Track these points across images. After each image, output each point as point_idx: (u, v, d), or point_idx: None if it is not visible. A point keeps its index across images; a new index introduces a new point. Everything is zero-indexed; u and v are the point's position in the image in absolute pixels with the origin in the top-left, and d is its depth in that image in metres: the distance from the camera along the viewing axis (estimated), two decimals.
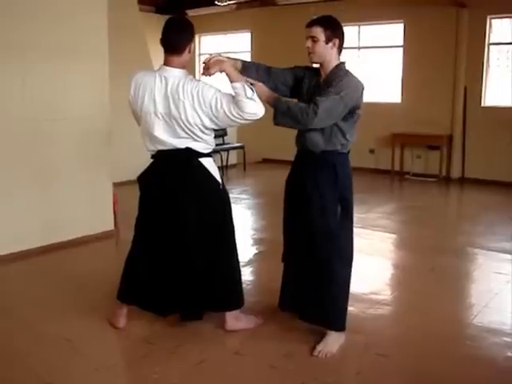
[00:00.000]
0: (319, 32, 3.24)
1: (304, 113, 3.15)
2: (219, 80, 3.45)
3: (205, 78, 3.51)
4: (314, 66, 3.47)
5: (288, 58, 10.39)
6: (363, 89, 3.33)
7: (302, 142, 3.47)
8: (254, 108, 3.21)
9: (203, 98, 3.22)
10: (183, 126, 3.27)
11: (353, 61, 9.99)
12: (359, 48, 10.41)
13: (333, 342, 3.41)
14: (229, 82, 3.27)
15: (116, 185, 6.31)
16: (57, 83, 5.31)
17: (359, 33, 10.37)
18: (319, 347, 3.37)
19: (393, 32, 10.20)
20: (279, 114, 3.25)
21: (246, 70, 3.45)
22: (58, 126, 5.37)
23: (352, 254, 3.50)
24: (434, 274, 4.89)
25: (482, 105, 9.41)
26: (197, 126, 3.28)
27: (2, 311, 3.99)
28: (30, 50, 5.05)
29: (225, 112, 3.22)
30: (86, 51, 5.53)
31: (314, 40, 3.26)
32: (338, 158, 3.38)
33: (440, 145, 9.56)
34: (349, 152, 3.48)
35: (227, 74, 3.26)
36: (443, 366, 3.26)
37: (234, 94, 3.23)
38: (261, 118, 3.28)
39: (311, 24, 3.28)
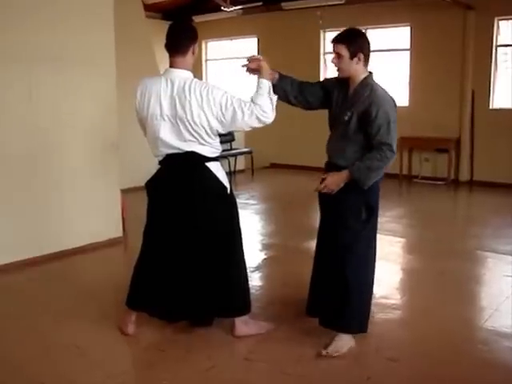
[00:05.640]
0: (343, 49, 3.30)
1: (385, 159, 3.26)
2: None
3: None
4: None
5: (295, 63, 10.46)
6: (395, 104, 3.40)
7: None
8: (268, 107, 3.30)
9: (213, 97, 3.24)
10: (189, 126, 3.27)
11: None
12: None
13: (342, 343, 3.42)
14: (258, 79, 3.40)
15: (124, 191, 6.32)
16: (64, 91, 5.33)
17: None
18: (328, 348, 3.37)
19: (400, 35, 10.19)
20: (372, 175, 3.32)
21: (282, 80, 3.54)
22: (66, 135, 5.39)
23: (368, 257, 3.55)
24: (443, 277, 4.86)
25: (490, 107, 9.37)
26: (203, 126, 3.28)
27: (11, 319, 4.00)
28: (37, 60, 5.07)
29: (234, 109, 3.25)
30: (94, 60, 5.54)
31: (339, 57, 3.33)
32: None
33: (448, 148, 9.51)
34: None
35: (261, 70, 3.39)
36: (454, 370, 3.24)
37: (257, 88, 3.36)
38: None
39: (335, 40, 3.36)
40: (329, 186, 3.35)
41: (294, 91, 3.57)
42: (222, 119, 3.29)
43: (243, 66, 3.50)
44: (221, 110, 3.26)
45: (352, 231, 3.41)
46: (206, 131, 3.31)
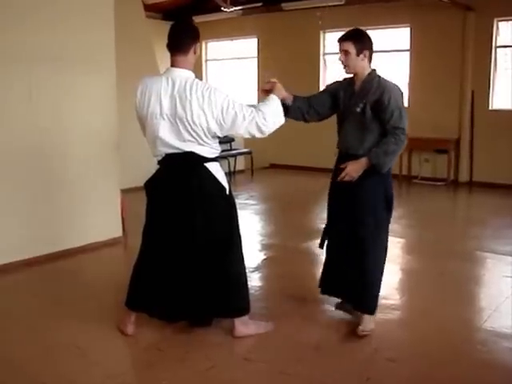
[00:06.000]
0: (350, 46, 3.55)
1: (400, 143, 3.50)
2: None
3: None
4: (345, 76, 3.79)
5: (295, 63, 10.46)
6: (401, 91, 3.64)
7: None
8: (270, 117, 3.39)
9: (215, 99, 3.25)
10: (188, 126, 3.27)
11: None
12: None
13: (369, 323, 3.66)
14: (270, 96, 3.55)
15: (124, 191, 6.33)
16: (64, 92, 5.34)
17: None
18: (361, 327, 3.61)
19: (399, 36, 10.19)
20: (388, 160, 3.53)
21: (296, 100, 3.76)
22: (66, 135, 5.39)
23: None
24: (443, 278, 4.87)
25: (490, 108, 9.38)
26: (201, 127, 3.28)
27: (11, 319, 4.00)
28: (37, 60, 5.06)
29: (236, 113, 3.27)
30: (94, 60, 5.55)
31: (346, 54, 3.58)
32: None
33: (448, 149, 9.52)
34: None
35: (274, 89, 3.56)
36: (454, 371, 3.24)
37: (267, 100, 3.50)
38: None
39: (342, 39, 3.60)
40: (350, 173, 3.53)
41: (306, 107, 3.78)
42: (222, 122, 3.29)
43: (259, 90, 3.71)
44: (221, 112, 3.26)
45: (375, 218, 3.62)
46: (204, 132, 3.31)
